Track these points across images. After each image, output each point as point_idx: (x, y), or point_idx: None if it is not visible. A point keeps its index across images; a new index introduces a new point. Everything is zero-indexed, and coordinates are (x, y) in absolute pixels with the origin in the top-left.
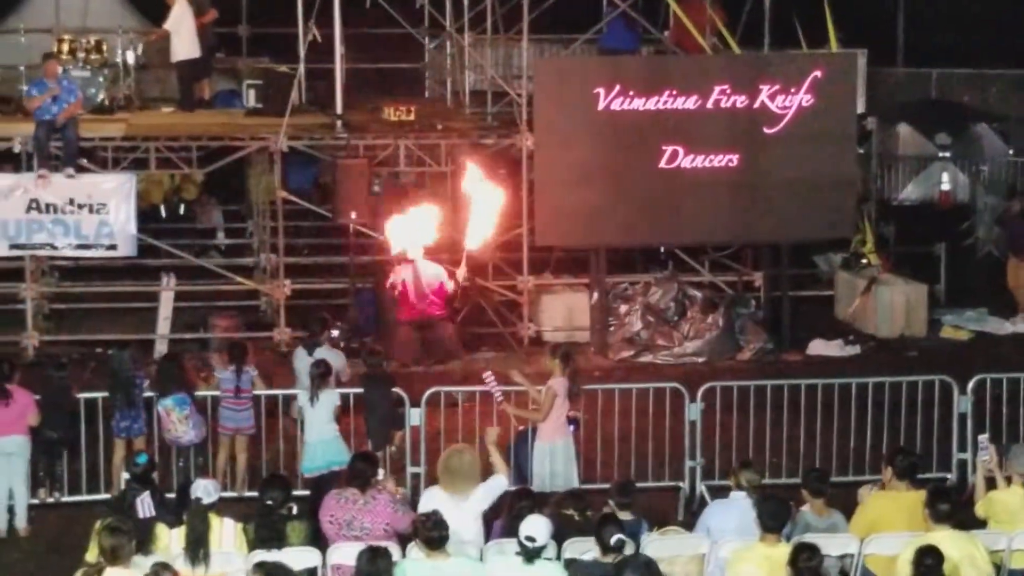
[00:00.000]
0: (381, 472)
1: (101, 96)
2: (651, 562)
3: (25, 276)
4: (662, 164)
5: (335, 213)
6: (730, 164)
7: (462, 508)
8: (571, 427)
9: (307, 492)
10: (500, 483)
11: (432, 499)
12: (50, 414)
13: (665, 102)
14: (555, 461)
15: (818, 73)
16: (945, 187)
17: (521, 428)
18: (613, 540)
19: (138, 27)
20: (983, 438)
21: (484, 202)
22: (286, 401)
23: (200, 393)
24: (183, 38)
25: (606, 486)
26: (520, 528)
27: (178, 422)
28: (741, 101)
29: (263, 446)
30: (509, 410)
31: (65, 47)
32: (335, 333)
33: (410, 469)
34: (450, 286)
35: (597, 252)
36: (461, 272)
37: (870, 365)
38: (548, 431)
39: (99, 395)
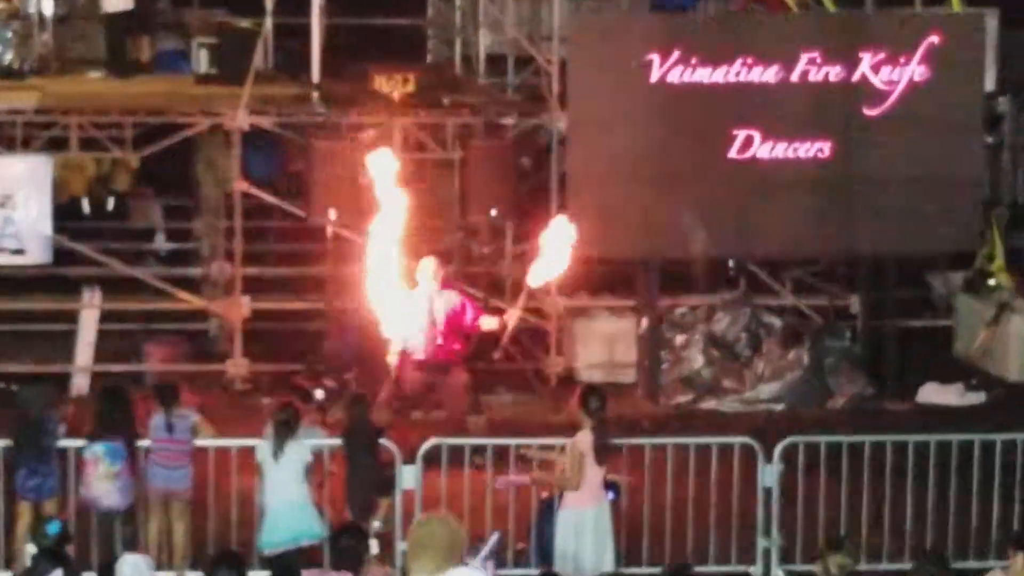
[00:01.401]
0: (373, 544)
1: (8, 57)
2: None
3: None
4: (732, 154)
5: (309, 211)
6: (820, 155)
7: None
8: (609, 494)
9: (267, 574)
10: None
11: None
12: None
13: (738, 73)
14: (583, 535)
15: (935, 38)
16: None
17: (545, 496)
18: None
19: None
20: None
21: (559, 236)
22: (242, 453)
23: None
24: None
25: (655, 571)
26: None
27: (103, 477)
28: (836, 73)
29: (209, 512)
30: (536, 476)
31: None
32: (319, 395)
33: (400, 545)
34: (488, 323)
35: (647, 266)
36: (514, 314)
37: (998, 417)
38: (576, 497)
39: (1, 444)
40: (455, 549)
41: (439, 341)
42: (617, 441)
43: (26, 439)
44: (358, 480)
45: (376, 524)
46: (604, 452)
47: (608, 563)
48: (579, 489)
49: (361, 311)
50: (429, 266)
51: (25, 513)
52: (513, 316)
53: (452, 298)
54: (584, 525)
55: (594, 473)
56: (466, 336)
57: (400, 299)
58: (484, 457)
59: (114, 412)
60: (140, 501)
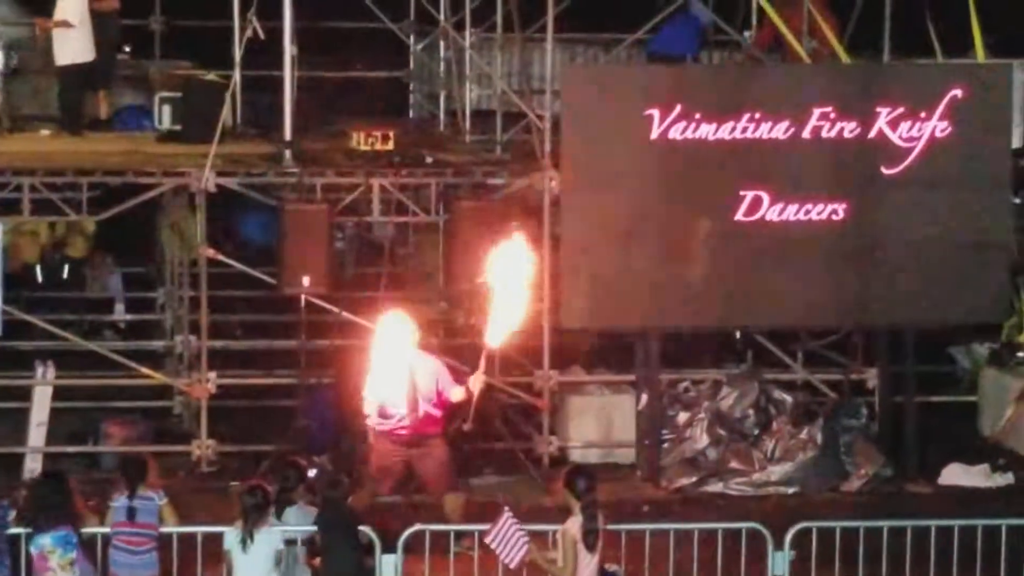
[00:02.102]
0: None
1: None
2: None
3: None
4: (740, 216)
5: (281, 279)
6: (834, 217)
7: None
8: None
9: None
10: None
11: None
12: None
13: (745, 129)
14: None
15: (958, 92)
16: None
17: None
18: None
19: (10, 17)
20: None
21: (512, 280)
22: (208, 540)
23: (88, 530)
24: (72, 34)
25: None
26: None
27: (59, 569)
28: (851, 129)
29: None
30: (536, 558)
31: None
32: (312, 473)
33: None
34: (456, 393)
35: (647, 338)
36: (477, 380)
37: None
38: None
39: None
40: None
41: (421, 413)
42: (614, 527)
43: None
44: (335, 572)
45: None
46: (594, 538)
47: None
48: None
49: (337, 387)
50: (406, 328)
51: None
52: (477, 382)
53: (432, 365)
54: None
55: (588, 562)
56: (446, 409)
57: (378, 364)
58: (468, 544)
59: (55, 500)
60: None
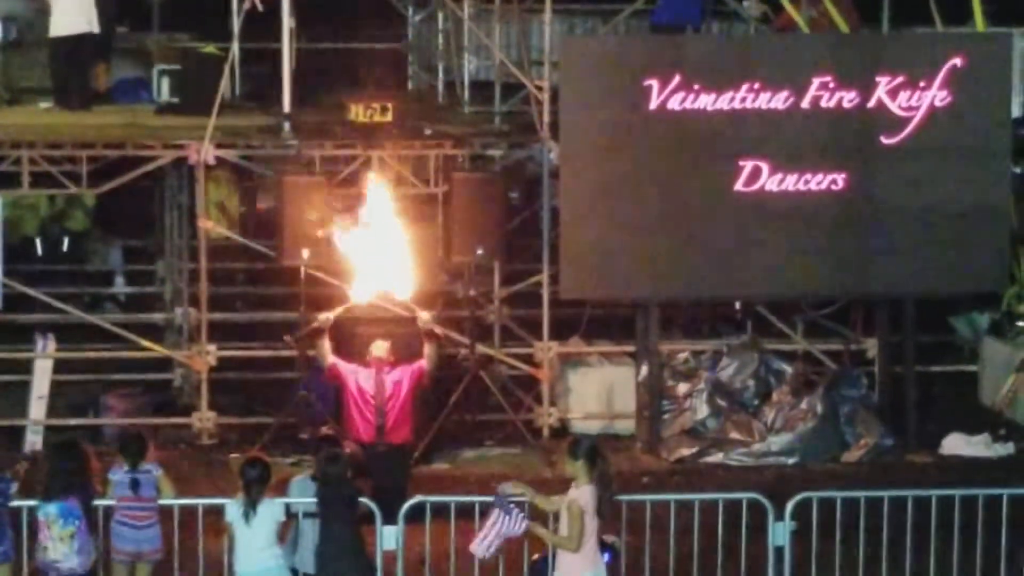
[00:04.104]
0: None
1: None
2: None
3: None
4: (739, 186)
5: (280, 252)
6: (834, 187)
7: None
8: (606, 557)
9: None
10: None
11: None
12: None
13: (744, 99)
14: None
15: (957, 61)
16: None
17: (536, 557)
18: None
19: None
20: None
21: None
22: (210, 512)
23: (96, 503)
24: (66, 5)
25: None
26: None
27: (59, 540)
28: (850, 99)
29: None
30: (539, 531)
31: None
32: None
33: None
34: (422, 361)
35: (647, 309)
36: (424, 316)
37: None
38: (569, 563)
39: None
40: None
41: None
42: (616, 497)
43: None
44: (330, 550)
45: None
46: (609, 506)
47: None
48: (579, 551)
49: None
50: (381, 349)
51: None
52: (424, 318)
53: (396, 375)
54: None
55: (590, 535)
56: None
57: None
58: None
59: (67, 469)
60: (101, 564)
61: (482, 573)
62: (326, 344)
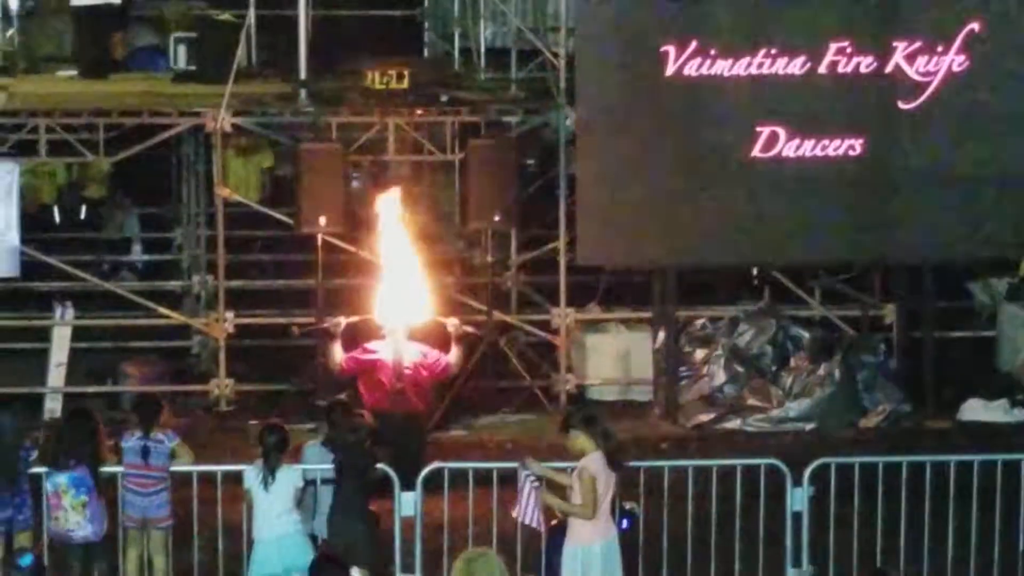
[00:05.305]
0: (356, 572)
1: None
2: None
3: None
4: (756, 152)
5: (297, 219)
6: (851, 153)
7: None
8: (624, 523)
9: None
10: None
11: None
12: None
13: (760, 65)
14: (591, 570)
15: (975, 25)
16: None
17: (555, 523)
18: None
19: None
20: None
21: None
22: (228, 479)
23: (107, 470)
24: None
25: None
26: None
27: (71, 509)
28: (867, 64)
29: (193, 543)
30: (551, 501)
31: None
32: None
33: None
34: (448, 358)
35: (663, 275)
36: (453, 322)
37: None
38: (582, 531)
39: None
40: None
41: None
42: (634, 463)
43: None
44: (344, 519)
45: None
46: (622, 455)
47: None
48: (594, 518)
49: (356, 325)
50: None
51: None
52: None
53: (417, 350)
54: (592, 561)
55: (604, 504)
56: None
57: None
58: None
59: (75, 438)
60: (117, 531)
61: (500, 537)
62: (337, 348)
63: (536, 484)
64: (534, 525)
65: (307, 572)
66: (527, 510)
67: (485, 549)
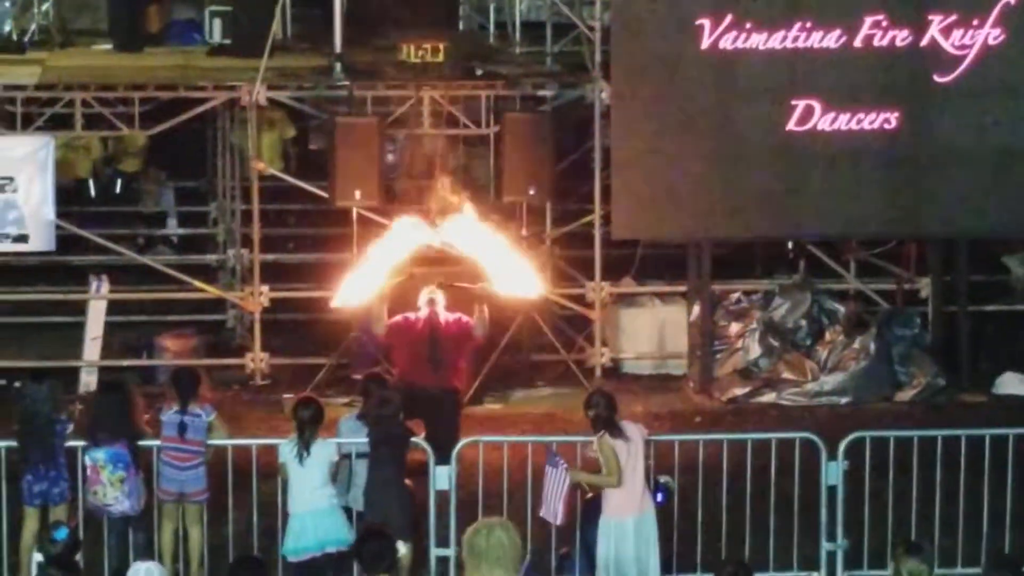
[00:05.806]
0: (402, 547)
1: (7, 28)
2: None
3: None
4: (791, 126)
5: (332, 193)
6: (887, 126)
7: None
8: (659, 496)
9: None
10: None
11: None
12: None
13: (796, 39)
14: (624, 544)
15: None
16: None
17: (590, 496)
18: None
19: None
20: None
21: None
22: (264, 453)
23: (144, 443)
24: None
25: None
26: None
27: (109, 484)
28: (903, 38)
29: (228, 517)
30: (579, 476)
31: None
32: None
33: (435, 552)
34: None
35: (699, 249)
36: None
37: None
38: (616, 503)
39: (2, 445)
40: (518, 558)
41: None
42: (667, 437)
43: (32, 441)
44: (380, 496)
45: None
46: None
47: (650, 569)
48: (622, 485)
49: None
50: (434, 293)
51: (31, 520)
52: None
53: (450, 316)
54: (625, 534)
55: (634, 477)
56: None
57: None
58: None
59: (112, 413)
60: (153, 505)
61: (534, 514)
62: (383, 310)
63: (566, 466)
64: (551, 519)
65: (347, 546)
66: (551, 503)
67: (496, 520)
